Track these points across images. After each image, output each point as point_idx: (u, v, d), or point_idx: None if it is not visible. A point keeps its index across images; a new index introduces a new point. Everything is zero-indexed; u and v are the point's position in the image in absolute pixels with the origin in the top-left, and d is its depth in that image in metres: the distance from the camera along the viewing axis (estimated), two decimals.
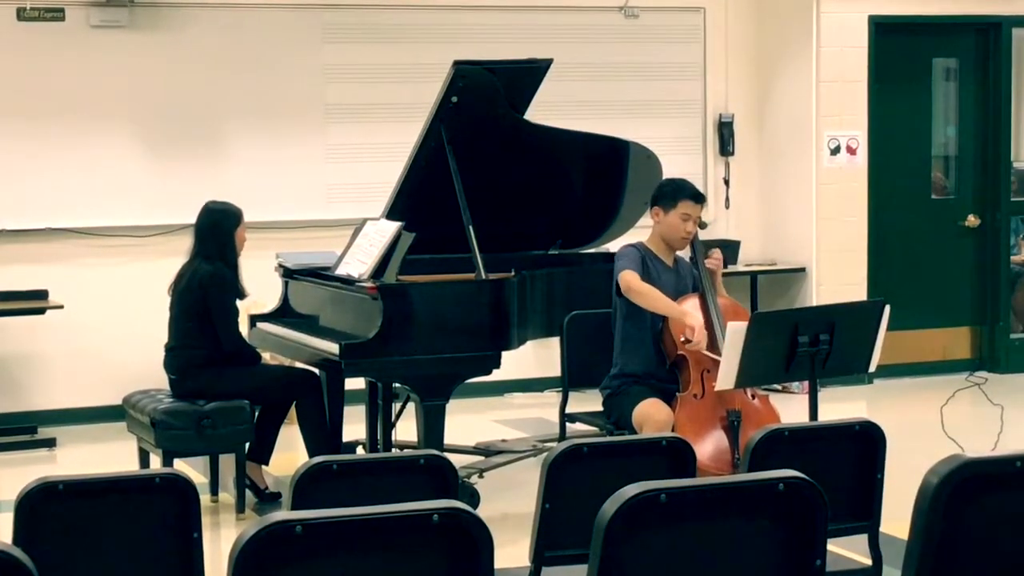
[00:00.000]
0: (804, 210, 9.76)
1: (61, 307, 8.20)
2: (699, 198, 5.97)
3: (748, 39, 10.05)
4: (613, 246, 6.74)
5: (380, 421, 6.90)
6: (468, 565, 2.44)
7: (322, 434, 6.64)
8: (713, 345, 5.74)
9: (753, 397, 5.77)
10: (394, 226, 6.38)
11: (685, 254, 6.09)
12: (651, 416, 5.65)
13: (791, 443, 3.73)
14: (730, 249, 9.69)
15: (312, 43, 9.09)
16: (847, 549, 4.24)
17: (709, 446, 5.54)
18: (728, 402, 5.65)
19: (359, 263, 6.42)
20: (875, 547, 3.97)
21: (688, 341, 5.68)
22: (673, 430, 5.46)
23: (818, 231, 9.70)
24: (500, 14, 9.41)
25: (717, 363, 5.57)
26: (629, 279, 5.80)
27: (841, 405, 8.34)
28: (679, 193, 5.93)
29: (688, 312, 5.74)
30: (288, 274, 7.05)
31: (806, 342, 5.21)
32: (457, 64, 6.40)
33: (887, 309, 5.49)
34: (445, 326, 6.14)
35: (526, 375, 9.11)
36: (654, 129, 9.15)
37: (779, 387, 7.96)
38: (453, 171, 6.42)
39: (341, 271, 6.53)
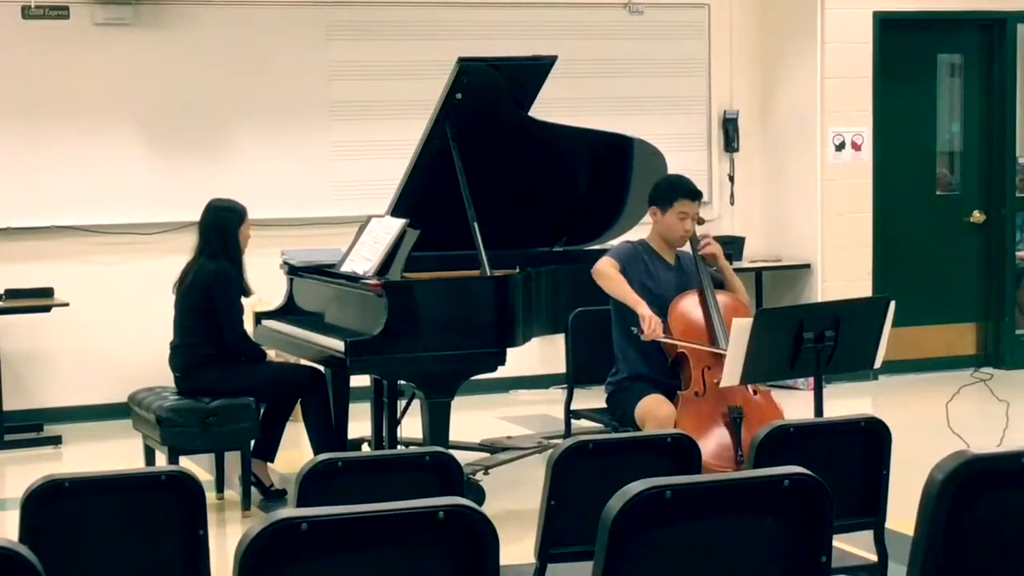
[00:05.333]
0: (809, 206, 9.76)
1: (66, 305, 8.21)
2: (695, 195, 5.94)
3: (753, 35, 10.04)
4: (618, 242, 6.74)
5: (385, 418, 6.91)
6: (473, 562, 2.44)
7: (327, 431, 6.65)
8: (712, 341, 5.74)
9: (755, 393, 5.76)
10: (399, 223, 6.38)
11: (687, 249, 6.07)
12: (653, 412, 5.65)
13: (796, 439, 3.73)
14: (735, 245, 9.69)
15: (317, 40, 9.09)
16: (853, 545, 4.24)
17: (712, 443, 5.53)
18: (730, 399, 5.64)
19: (364, 260, 6.42)
20: (881, 543, 3.97)
21: (641, 332, 5.66)
22: (675, 426, 5.45)
23: (823, 227, 9.70)
24: (505, 11, 9.41)
25: (718, 359, 5.57)
26: (600, 263, 5.86)
27: (846, 401, 8.34)
28: (675, 192, 5.91)
29: (640, 302, 5.71)
30: (293, 271, 7.05)
31: (811, 338, 5.20)
32: (462, 61, 6.41)
33: (892, 305, 5.48)
34: (450, 323, 6.15)
35: (531, 372, 9.11)
36: (659, 125, 9.15)
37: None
38: (458, 168, 6.42)
39: (346, 268, 6.53)
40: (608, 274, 5.82)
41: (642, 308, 5.66)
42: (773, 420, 5.28)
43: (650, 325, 5.62)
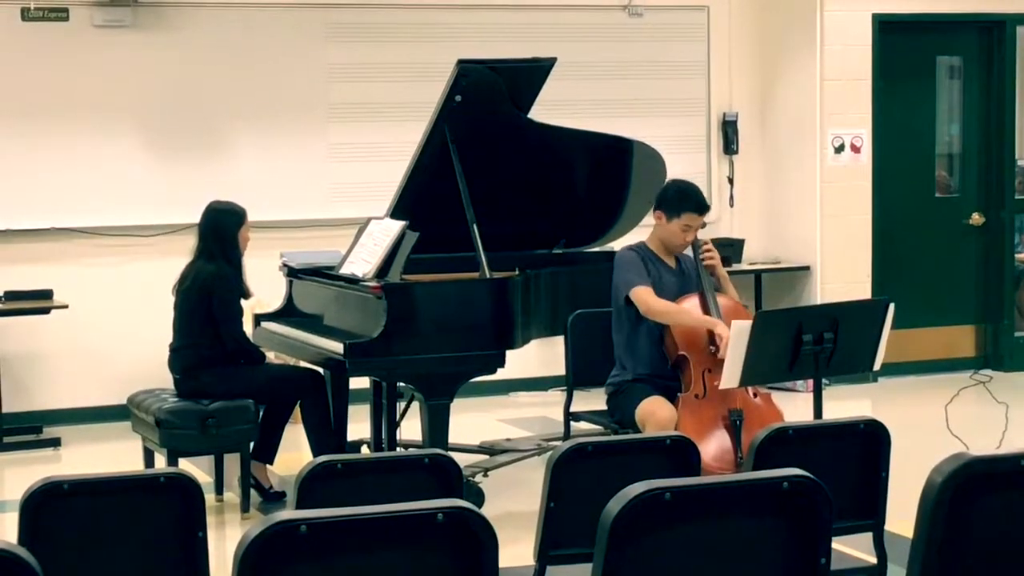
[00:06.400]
0: (808, 208, 9.76)
1: (66, 307, 8.21)
2: (703, 209, 5.92)
3: (752, 37, 10.04)
4: (617, 245, 6.74)
5: (384, 420, 6.91)
6: (473, 564, 2.44)
7: (326, 433, 6.65)
8: (712, 342, 5.73)
9: (755, 395, 5.76)
10: (398, 225, 6.38)
11: (688, 251, 6.06)
12: (653, 414, 5.65)
13: (796, 442, 3.73)
14: (734, 247, 9.69)
15: (315, 42, 9.10)
16: (852, 547, 4.24)
17: (712, 446, 5.53)
18: (730, 401, 5.64)
19: (363, 262, 6.42)
20: (880, 545, 3.97)
21: (717, 349, 5.66)
22: (675, 429, 5.45)
23: (822, 229, 9.70)
24: (504, 13, 9.41)
25: (718, 362, 5.57)
26: (647, 299, 5.76)
27: (846, 403, 8.35)
28: (684, 203, 5.88)
29: (717, 322, 5.71)
30: (292, 273, 7.05)
31: (810, 340, 5.20)
32: (461, 63, 6.41)
33: (891, 307, 5.49)
34: (449, 325, 6.14)
35: (530, 374, 9.11)
36: (658, 128, 9.15)
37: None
38: (457, 170, 6.42)
39: (345, 270, 6.53)
40: (663, 310, 5.76)
41: (720, 328, 5.67)
42: (773, 423, 5.31)
43: (727, 345, 5.62)
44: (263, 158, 9.01)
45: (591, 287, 6.54)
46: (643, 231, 6.66)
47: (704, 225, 6.02)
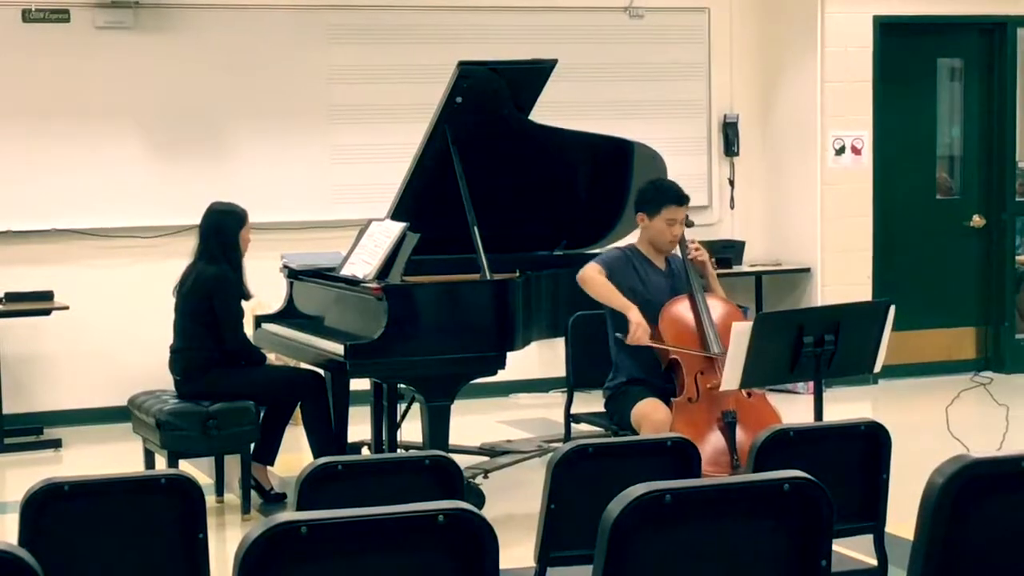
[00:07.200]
0: (809, 210, 9.76)
1: (66, 308, 8.21)
2: (683, 200, 5.92)
3: (753, 39, 10.04)
4: (607, 250, 6.74)
5: (385, 422, 6.91)
6: (473, 565, 2.44)
7: (327, 435, 6.64)
8: (703, 344, 5.73)
9: (748, 395, 5.73)
10: (399, 226, 6.38)
11: (678, 253, 6.05)
12: (649, 416, 5.64)
13: (796, 443, 3.73)
14: (735, 249, 9.69)
15: (317, 44, 9.10)
16: (852, 549, 4.24)
17: (707, 449, 5.48)
18: (723, 403, 5.62)
19: (364, 264, 6.42)
20: (880, 547, 3.97)
21: (625, 335, 5.66)
22: (671, 430, 5.44)
23: (823, 231, 9.70)
24: (505, 15, 9.41)
25: (711, 364, 5.57)
26: (586, 269, 5.85)
27: (846, 405, 8.34)
28: (662, 198, 5.89)
29: (630, 307, 5.70)
30: (293, 275, 7.05)
31: (811, 342, 5.20)
32: (462, 64, 6.41)
33: (892, 309, 5.48)
34: (450, 327, 6.14)
35: (531, 376, 9.11)
36: (659, 129, 9.15)
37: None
38: (458, 171, 6.42)
39: (346, 272, 6.53)
40: (595, 280, 5.81)
41: (632, 313, 5.67)
42: (768, 422, 5.31)
43: (635, 332, 5.62)
44: (264, 160, 9.02)
45: None
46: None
47: (691, 224, 6.01)
